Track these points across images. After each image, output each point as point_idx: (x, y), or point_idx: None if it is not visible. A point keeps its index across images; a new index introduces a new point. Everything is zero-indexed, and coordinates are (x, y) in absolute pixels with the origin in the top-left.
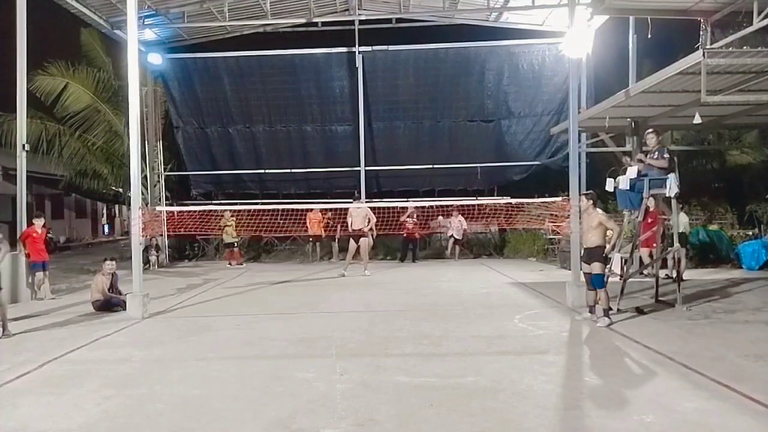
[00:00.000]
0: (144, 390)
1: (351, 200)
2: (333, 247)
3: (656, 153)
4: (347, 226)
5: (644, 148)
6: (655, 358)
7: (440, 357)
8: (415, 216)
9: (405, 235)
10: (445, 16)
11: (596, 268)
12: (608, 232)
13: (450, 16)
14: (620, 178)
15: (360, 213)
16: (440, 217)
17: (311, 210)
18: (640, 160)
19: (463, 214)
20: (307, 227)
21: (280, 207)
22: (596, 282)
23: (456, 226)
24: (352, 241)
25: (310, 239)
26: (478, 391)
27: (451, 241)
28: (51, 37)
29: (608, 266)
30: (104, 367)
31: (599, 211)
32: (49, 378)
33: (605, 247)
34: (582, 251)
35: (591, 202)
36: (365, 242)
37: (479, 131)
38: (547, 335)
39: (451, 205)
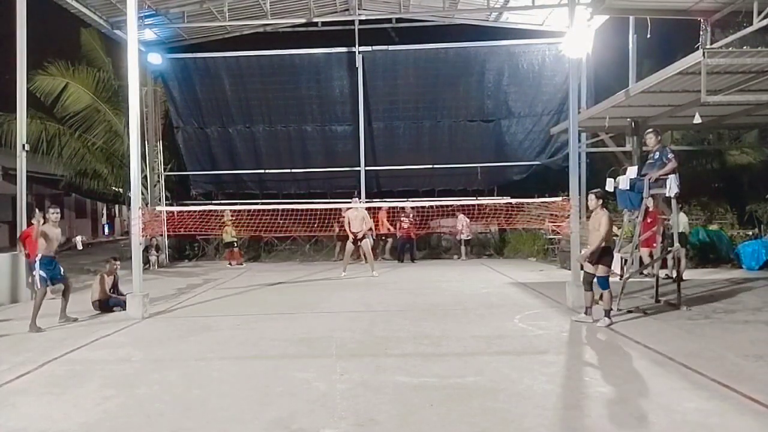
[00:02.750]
0: (144, 390)
1: (350, 200)
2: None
3: (657, 153)
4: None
5: (644, 148)
6: (655, 358)
7: (440, 357)
8: (411, 216)
9: (400, 235)
10: (445, 16)
11: (600, 270)
12: (602, 230)
13: (450, 16)
14: (620, 178)
15: (358, 216)
16: (449, 219)
17: (380, 209)
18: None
19: (462, 214)
20: (379, 227)
21: (280, 207)
22: (601, 284)
23: (464, 226)
24: (349, 242)
25: (384, 238)
26: (478, 391)
27: (462, 242)
28: (51, 37)
29: None
30: (104, 367)
31: (605, 211)
32: (49, 378)
33: (610, 247)
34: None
35: (600, 201)
36: (367, 244)
37: (479, 131)
38: (547, 335)
39: (451, 206)
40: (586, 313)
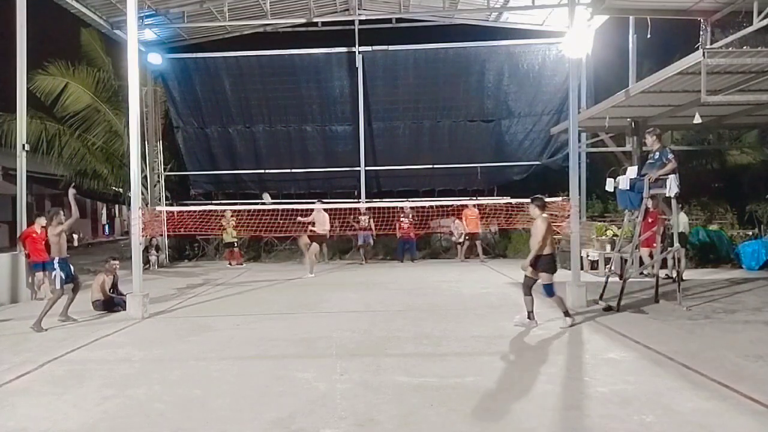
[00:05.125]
0: (144, 390)
1: (353, 200)
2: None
3: (657, 153)
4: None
5: (644, 148)
6: (655, 358)
7: (440, 357)
8: (410, 216)
9: (400, 235)
10: (445, 16)
11: (544, 278)
12: (538, 235)
13: (450, 16)
14: (620, 178)
15: (321, 217)
16: (457, 221)
17: (466, 206)
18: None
19: (462, 215)
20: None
21: (280, 207)
22: (546, 291)
23: (459, 230)
24: (314, 243)
25: (467, 237)
26: (478, 391)
27: (462, 240)
28: (51, 37)
29: (608, 266)
30: (104, 367)
31: (544, 217)
32: (49, 378)
33: (553, 255)
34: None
35: (538, 211)
36: (315, 245)
37: (479, 131)
38: (547, 335)
39: (451, 206)
40: (528, 317)
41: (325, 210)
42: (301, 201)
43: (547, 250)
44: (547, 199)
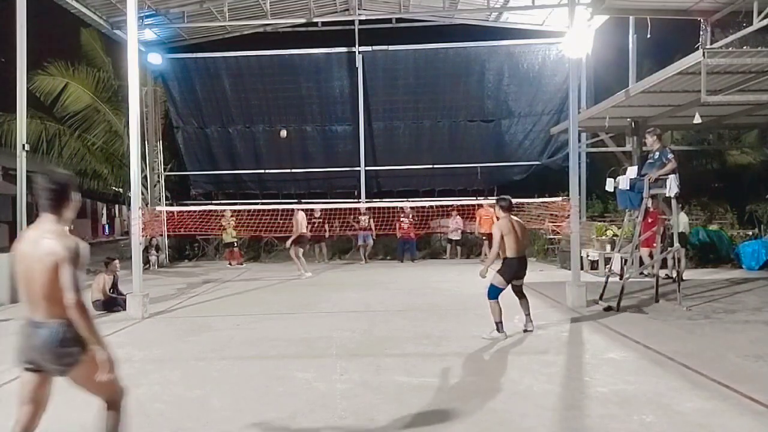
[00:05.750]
0: (144, 390)
1: (353, 200)
2: (322, 247)
3: (657, 153)
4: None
5: (644, 148)
6: (655, 358)
7: (440, 357)
8: (410, 216)
9: (400, 235)
10: (445, 16)
11: (495, 279)
12: (494, 239)
13: (450, 16)
14: (620, 178)
15: (301, 218)
16: (458, 217)
17: (481, 206)
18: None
19: (462, 215)
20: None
21: (280, 207)
22: (490, 292)
23: (455, 226)
24: (298, 246)
25: (484, 237)
26: (478, 391)
27: (451, 243)
28: (51, 37)
29: (608, 266)
30: None
31: (502, 220)
32: None
33: (522, 258)
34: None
35: (503, 212)
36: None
37: (479, 131)
38: (547, 335)
39: (451, 206)
40: (526, 320)
41: (305, 210)
42: (284, 201)
43: (510, 254)
44: (547, 200)
